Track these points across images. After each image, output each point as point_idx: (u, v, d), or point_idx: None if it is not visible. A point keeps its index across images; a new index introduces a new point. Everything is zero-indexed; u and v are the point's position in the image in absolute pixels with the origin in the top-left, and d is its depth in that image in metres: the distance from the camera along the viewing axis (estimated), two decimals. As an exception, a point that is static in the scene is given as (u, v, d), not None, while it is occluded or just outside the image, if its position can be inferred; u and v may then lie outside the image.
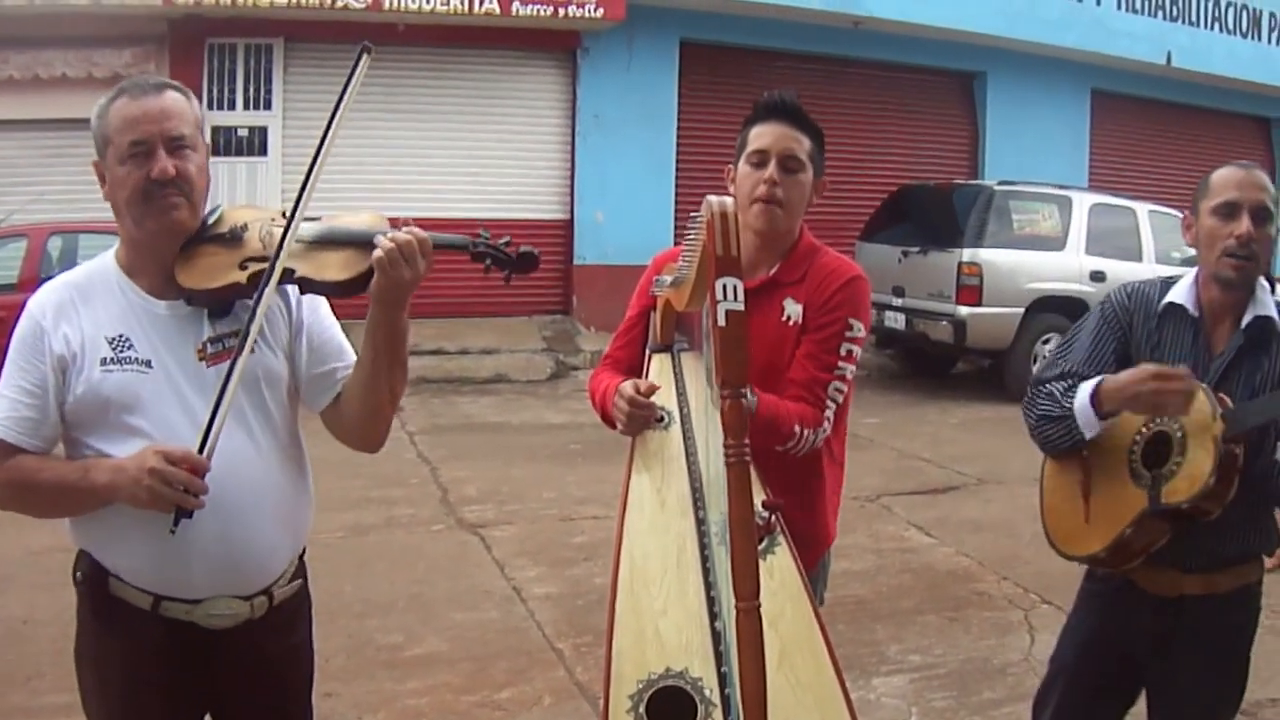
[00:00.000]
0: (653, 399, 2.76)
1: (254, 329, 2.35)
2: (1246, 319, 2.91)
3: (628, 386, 2.76)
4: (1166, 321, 2.99)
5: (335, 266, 2.42)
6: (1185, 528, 2.81)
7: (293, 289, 2.51)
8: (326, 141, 2.51)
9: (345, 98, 2.51)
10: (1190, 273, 3.03)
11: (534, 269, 2.50)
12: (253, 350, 2.39)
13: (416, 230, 2.34)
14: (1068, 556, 3.08)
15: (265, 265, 2.41)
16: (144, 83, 2.46)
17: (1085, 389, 2.88)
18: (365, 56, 2.51)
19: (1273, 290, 2.99)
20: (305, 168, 2.49)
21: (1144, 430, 2.87)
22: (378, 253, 2.30)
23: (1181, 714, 3.06)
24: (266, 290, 2.36)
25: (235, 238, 2.48)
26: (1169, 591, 2.96)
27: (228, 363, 2.38)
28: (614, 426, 2.89)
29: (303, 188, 2.46)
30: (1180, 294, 2.99)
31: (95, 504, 2.37)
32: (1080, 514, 3.00)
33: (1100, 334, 3.06)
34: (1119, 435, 2.90)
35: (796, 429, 2.80)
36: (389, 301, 2.38)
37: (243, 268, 2.43)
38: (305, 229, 2.47)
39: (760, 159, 2.90)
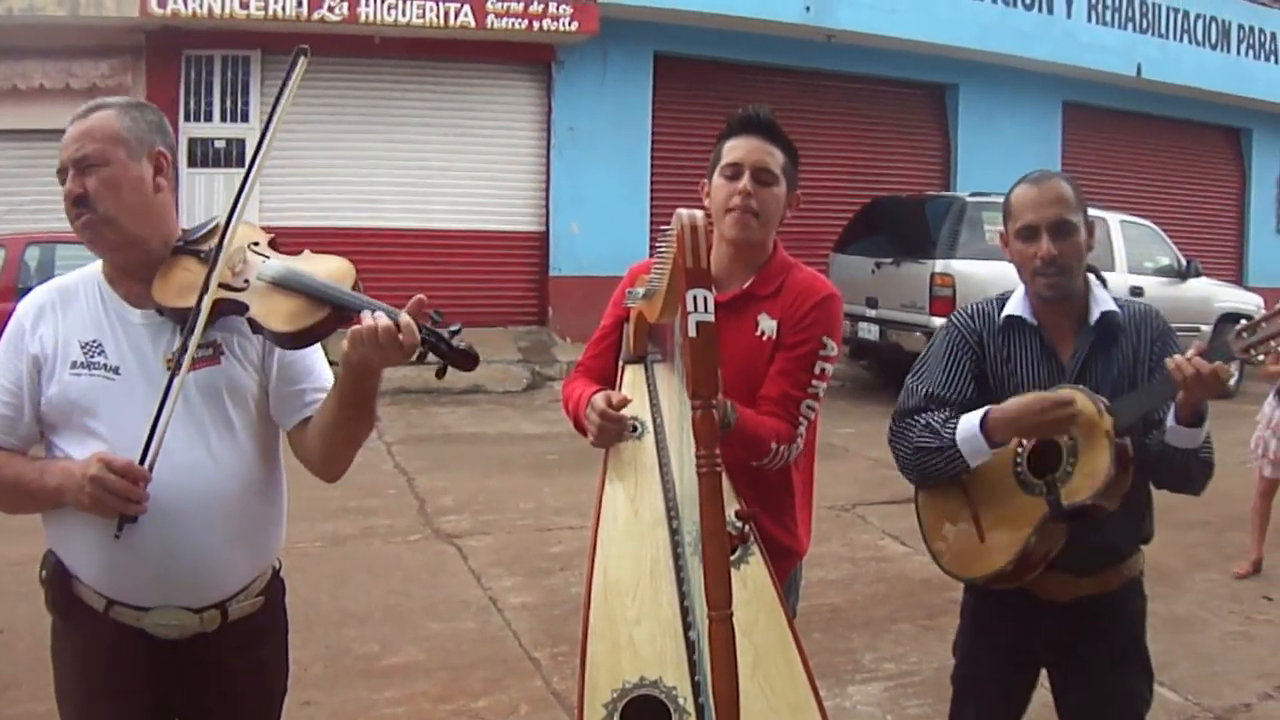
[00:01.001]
0: (626, 410, 2.77)
1: (186, 360, 2.35)
2: (1094, 316, 2.99)
3: (599, 399, 2.76)
4: (1010, 333, 3.07)
5: (281, 316, 2.38)
6: (1080, 529, 2.86)
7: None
8: (264, 146, 2.53)
9: (282, 100, 2.50)
10: (1021, 285, 3.09)
11: (471, 368, 2.37)
12: (194, 367, 2.41)
13: (404, 320, 2.25)
14: (968, 579, 3.11)
15: (229, 293, 2.42)
16: (86, 107, 2.50)
17: (970, 420, 2.90)
18: (302, 59, 2.49)
19: (1103, 283, 3.06)
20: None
21: (1025, 442, 2.92)
22: (355, 327, 2.27)
23: (1100, 709, 3.11)
24: (196, 328, 2.36)
25: (211, 258, 2.48)
26: (1066, 597, 3.02)
27: (194, 373, 2.42)
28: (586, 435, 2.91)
29: (236, 200, 2.48)
30: (1016, 306, 3.07)
31: (50, 504, 2.41)
32: (973, 536, 3.01)
33: (953, 356, 3.10)
34: (998, 452, 2.92)
35: (773, 445, 2.82)
36: (354, 369, 2.36)
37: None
38: (269, 268, 2.45)
39: (734, 171, 2.92)
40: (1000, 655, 3.18)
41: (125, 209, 2.44)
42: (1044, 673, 3.23)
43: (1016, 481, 2.91)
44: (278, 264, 2.47)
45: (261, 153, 2.55)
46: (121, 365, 2.44)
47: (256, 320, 2.40)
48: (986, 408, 2.91)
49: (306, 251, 2.55)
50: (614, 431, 2.75)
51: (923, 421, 3.03)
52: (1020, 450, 2.92)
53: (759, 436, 2.80)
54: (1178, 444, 2.81)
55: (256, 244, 2.55)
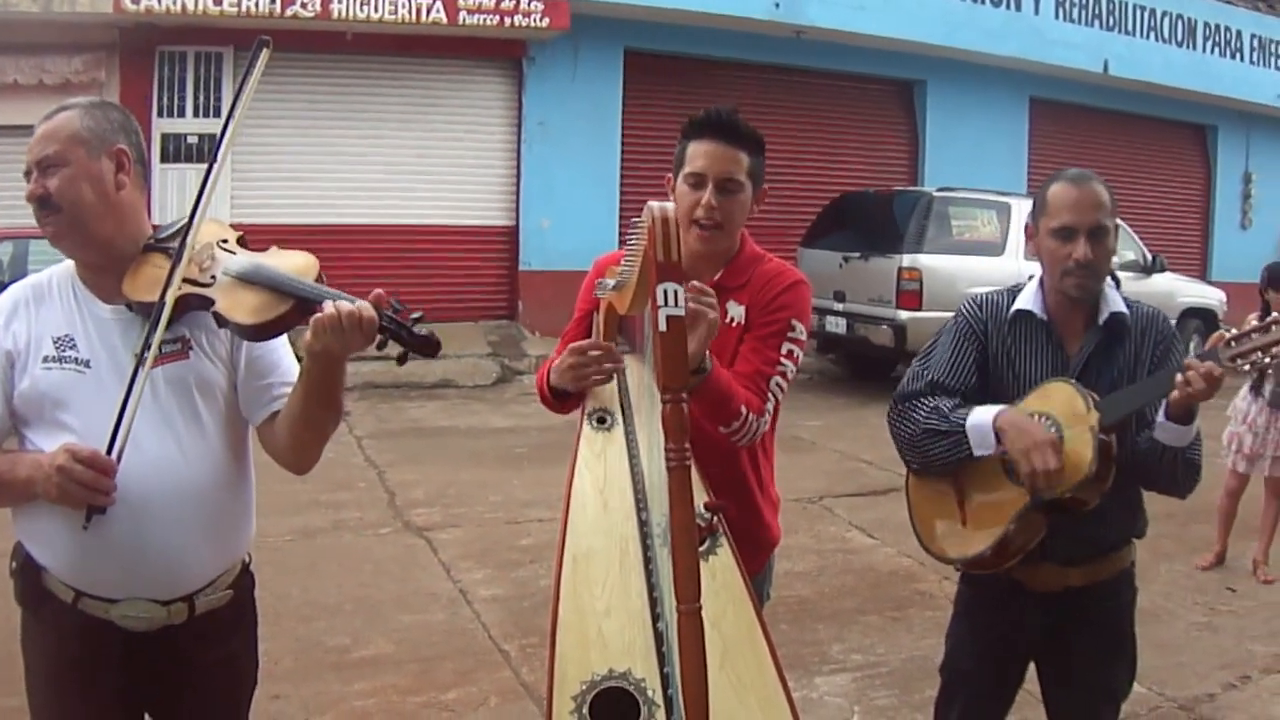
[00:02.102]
0: (595, 402, 2.79)
1: (151, 352, 2.37)
2: (1103, 316, 3.03)
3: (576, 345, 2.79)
4: (1018, 326, 3.10)
5: (245, 309, 2.41)
6: (1061, 520, 2.90)
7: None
8: (226, 139, 2.53)
9: (245, 93, 2.51)
10: (1034, 278, 3.13)
11: (432, 355, 2.38)
12: (163, 361, 2.45)
13: (365, 308, 2.29)
14: (948, 560, 3.14)
15: (195, 288, 2.44)
16: (50, 110, 2.53)
17: (985, 413, 2.92)
18: (265, 50, 2.51)
19: (1117, 285, 3.10)
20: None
21: None
22: (317, 315, 2.29)
23: (1080, 700, 3.16)
24: (160, 321, 2.38)
25: (175, 252, 2.50)
26: (1055, 587, 3.06)
27: (162, 367, 2.45)
28: (557, 409, 2.96)
29: (200, 194, 2.48)
30: (1028, 300, 3.09)
31: (23, 496, 2.42)
32: (956, 518, 3.05)
33: (959, 345, 3.12)
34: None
35: (743, 410, 2.79)
36: (318, 358, 2.37)
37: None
38: (234, 263, 2.47)
39: (697, 181, 2.89)
40: (990, 646, 3.22)
41: (86, 207, 2.46)
42: (1032, 669, 3.29)
43: (1003, 469, 2.94)
44: (243, 259, 2.49)
45: (224, 145, 2.55)
46: (92, 359, 2.47)
47: (221, 314, 2.42)
48: (1002, 407, 2.93)
49: (274, 248, 2.57)
50: (591, 365, 2.76)
51: (930, 404, 3.04)
52: None
53: (731, 393, 2.76)
54: (1167, 441, 2.85)
55: (225, 241, 2.56)
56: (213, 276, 2.46)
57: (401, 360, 2.38)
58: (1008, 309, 3.12)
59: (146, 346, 2.38)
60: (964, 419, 2.94)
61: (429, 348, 2.36)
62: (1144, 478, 3.00)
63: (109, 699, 2.52)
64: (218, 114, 14.02)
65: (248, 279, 2.44)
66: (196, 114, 14.02)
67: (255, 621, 2.79)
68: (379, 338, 2.32)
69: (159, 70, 13.93)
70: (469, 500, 8.26)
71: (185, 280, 2.44)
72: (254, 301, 2.41)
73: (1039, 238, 3.05)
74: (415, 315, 2.36)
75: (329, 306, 2.28)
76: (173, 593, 2.50)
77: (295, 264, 2.48)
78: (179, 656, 2.54)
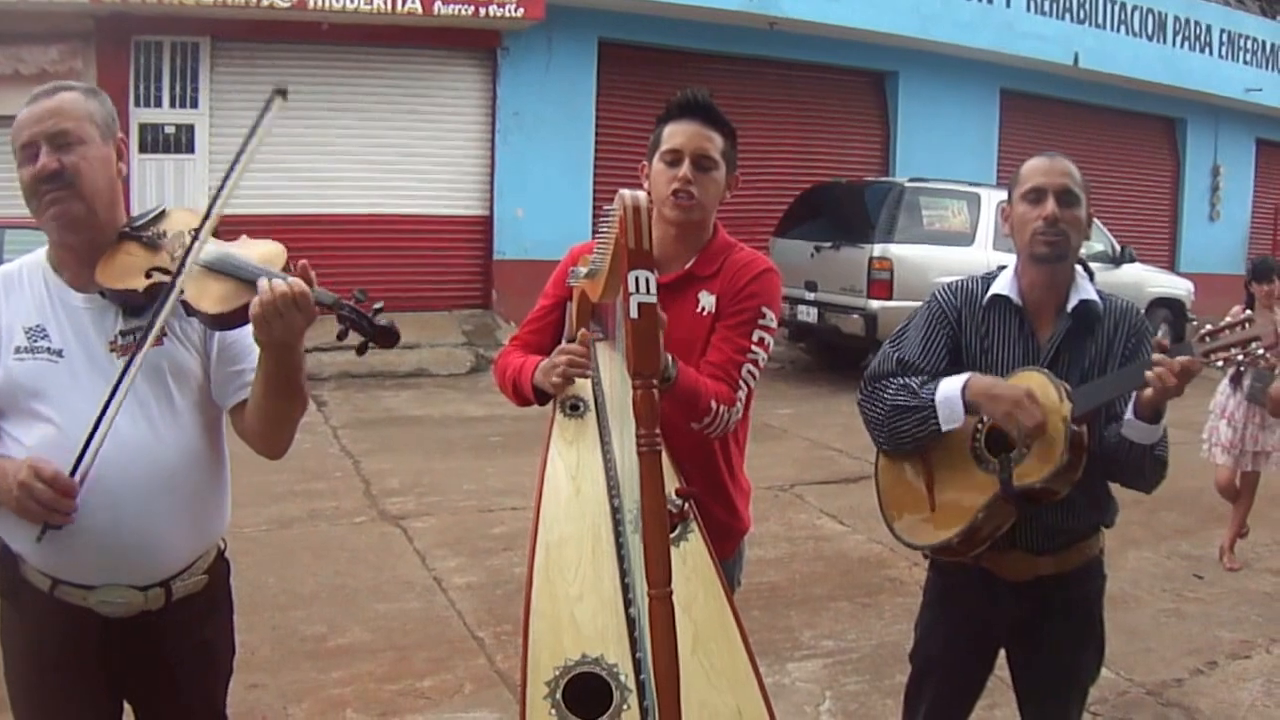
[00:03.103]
0: (569, 390, 2.83)
1: (145, 346, 2.38)
2: (1072, 303, 3.06)
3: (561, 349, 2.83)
4: (992, 313, 3.13)
5: (211, 298, 2.41)
6: (1031, 510, 2.93)
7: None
8: (233, 177, 2.53)
9: (253, 138, 2.53)
10: (1009, 266, 3.16)
11: (391, 345, 2.38)
12: (152, 349, 2.44)
13: (296, 283, 2.28)
14: (915, 546, 3.17)
15: (165, 278, 2.44)
16: (47, 88, 2.51)
17: (952, 383, 2.95)
18: (278, 99, 2.52)
19: (1091, 277, 3.15)
20: (237, 171, 2.51)
21: (985, 419, 2.97)
22: (254, 303, 2.27)
23: (1050, 686, 3.20)
24: (164, 309, 2.39)
25: (153, 244, 2.52)
26: (1025, 576, 3.09)
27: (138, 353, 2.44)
28: (523, 403, 2.99)
29: (206, 215, 2.48)
30: (1003, 286, 3.13)
31: None
32: (925, 504, 3.07)
33: (931, 330, 3.15)
34: (959, 427, 2.98)
35: (713, 404, 2.83)
36: (265, 344, 2.36)
37: (147, 275, 2.46)
38: (204, 252, 2.47)
39: (674, 158, 2.95)
40: (960, 633, 3.24)
41: (97, 189, 2.47)
42: (1002, 655, 3.31)
43: (973, 456, 2.97)
44: (212, 249, 2.49)
45: (230, 182, 2.54)
46: (65, 348, 2.47)
47: (189, 303, 2.43)
48: (969, 374, 2.96)
49: (244, 237, 2.58)
50: (563, 368, 2.81)
51: (899, 381, 3.07)
52: (980, 426, 2.97)
53: (698, 392, 2.80)
54: (1134, 438, 2.87)
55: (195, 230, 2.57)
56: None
57: (361, 350, 2.39)
58: (982, 295, 3.15)
59: (130, 338, 2.39)
60: (932, 393, 2.97)
61: (388, 338, 2.37)
62: (1110, 471, 3.02)
63: (87, 687, 2.53)
64: (194, 105, 13.94)
65: (215, 268, 2.44)
66: (173, 104, 13.93)
67: (231, 609, 2.80)
68: (339, 328, 2.34)
69: (135, 60, 13.83)
70: (443, 489, 8.27)
71: (156, 269, 2.46)
72: (219, 291, 2.41)
73: (1013, 213, 3.10)
74: (376, 306, 2.37)
75: (263, 286, 2.27)
76: (150, 578, 2.51)
77: (262, 253, 2.49)
78: (156, 643, 2.55)
